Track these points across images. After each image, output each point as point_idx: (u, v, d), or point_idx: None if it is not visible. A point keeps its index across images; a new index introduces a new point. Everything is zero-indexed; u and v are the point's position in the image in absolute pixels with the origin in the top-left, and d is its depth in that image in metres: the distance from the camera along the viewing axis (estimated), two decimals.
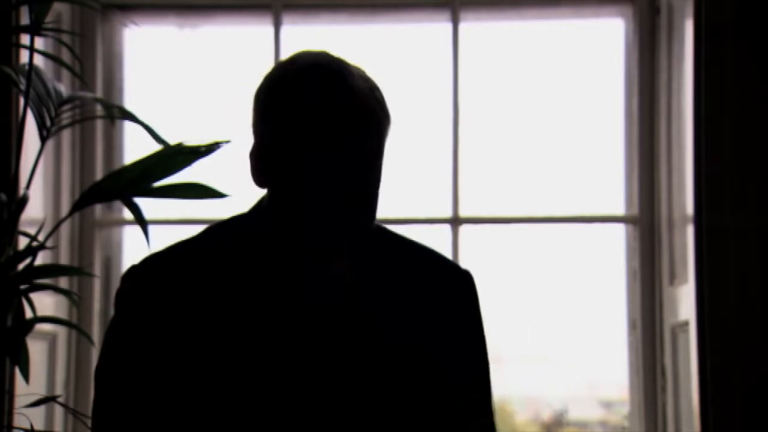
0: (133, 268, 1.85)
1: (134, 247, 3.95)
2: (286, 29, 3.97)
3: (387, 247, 1.89)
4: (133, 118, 2.85)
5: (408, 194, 3.93)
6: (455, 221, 3.92)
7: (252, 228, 1.84)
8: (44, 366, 3.67)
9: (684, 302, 3.56)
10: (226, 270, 1.81)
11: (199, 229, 1.91)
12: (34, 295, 2.74)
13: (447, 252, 3.88)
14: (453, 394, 1.85)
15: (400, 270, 1.87)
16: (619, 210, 3.99)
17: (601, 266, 3.99)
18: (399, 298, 1.83)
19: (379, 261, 1.86)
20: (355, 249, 1.83)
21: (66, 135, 3.83)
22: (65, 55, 3.54)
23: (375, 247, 1.87)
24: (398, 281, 1.85)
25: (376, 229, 1.89)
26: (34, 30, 2.76)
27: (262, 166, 1.81)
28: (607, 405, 4.21)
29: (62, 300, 3.58)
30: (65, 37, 3.46)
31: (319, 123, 1.75)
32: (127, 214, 3.75)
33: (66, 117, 2.87)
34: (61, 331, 3.72)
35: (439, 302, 1.87)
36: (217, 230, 1.88)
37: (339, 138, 1.75)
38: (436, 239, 3.88)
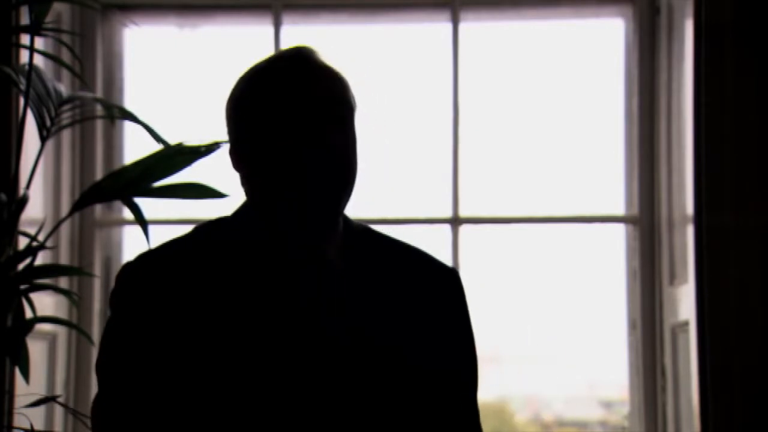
0: (128, 266, 1.86)
1: (134, 247, 3.95)
2: (286, 29, 3.97)
3: (374, 246, 1.90)
4: (133, 118, 2.86)
5: (408, 194, 3.93)
6: (455, 221, 3.92)
7: (242, 225, 1.86)
8: (44, 366, 3.67)
9: (684, 302, 3.56)
10: (220, 266, 1.82)
11: None
12: (34, 295, 2.74)
13: (447, 252, 3.89)
14: (442, 392, 1.86)
15: (388, 269, 1.88)
16: (619, 210, 3.98)
17: (601, 266, 3.99)
18: (386, 298, 1.85)
19: (366, 261, 1.87)
20: (343, 246, 1.84)
21: (66, 135, 3.83)
22: (65, 55, 3.54)
23: (362, 247, 1.88)
24: (385, 281, 1.86)
25: (362, 230, 1.90)
26: (34, 30, 2.76)
27: (239, 164, 1.84)
28: (607, 405, 4.21)
29: (62, 300, 3.58)
30: (65, 37, 3.46)
31: (285, 113, 1.79)
32: (127, 214, 3.75)
33: (66, 117, 2.87)
34: (61, 331, 3.72)
35: (427, 301, 1.88)
36: (209, 227, 1.90)
37: (305, 125, 1.78)
38: (436, 239, 3.88)
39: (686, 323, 3.52)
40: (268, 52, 3.98)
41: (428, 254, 1.95)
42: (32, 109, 2.77)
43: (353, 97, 1.85)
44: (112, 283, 4.04)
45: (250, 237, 1.84)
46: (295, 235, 1.82)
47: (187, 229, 1.93)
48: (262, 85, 1.82)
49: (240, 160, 1.85)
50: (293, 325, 1.79)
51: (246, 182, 1.86)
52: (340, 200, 1.82)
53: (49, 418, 3.65)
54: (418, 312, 1.86)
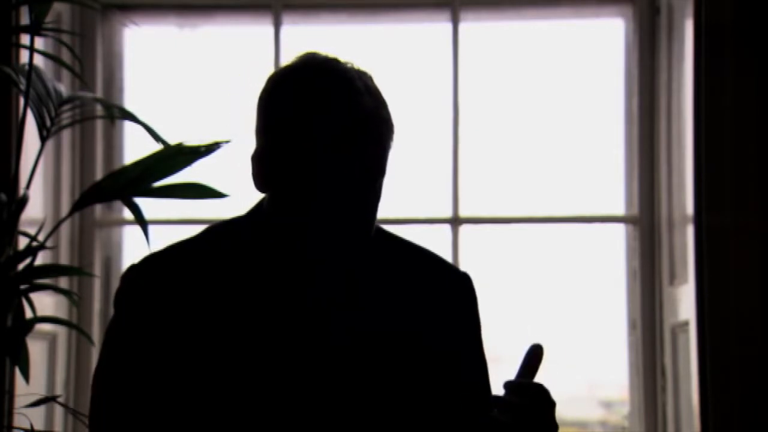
0: (133, 268, 1.86)
1: (134, 247, 3.95)
2: (286, 29, 3.97)
3: (386, 249, 1.89)
4: (133, 118, 2.85)
5: (408, 194, 3.93)
6: (455, 221, 3.92)
7: (251, 230, 1.85)
8: (44, 366, 3.67)
9: (684, 302, 3.56)
10: (225, 271, 1.81)
11: (199, 229, 1.91)
12: (34, 295, 2.74)
13: (447, 252, 3.89)
14: (452, 395, 1.85)
15: (400, 272, 1.87)
16: (619, 210, 3.98)
17: (601, 266, 3.99)
18: (398, 301, 1.84)
19: (378, 263, 1.86)
20: (355, 249, 1.83)
21: (66, 135, 3.83)
22: (65, 55, 3.54)
23: (374, 249, 1.87)
24: (397, 283, 1.86)
25: (375, 231, 1.89)
26: (34, 30, 2.76)
27: (265, 171, 1.81)
28: (607, 405, 4.21)
29: (62, 300, 3.58)
30: (65, 37, 3.45)
31: (326, 133, 1.76)
32: (127, 214, 3.75)
33: (66, 117, 2.87)
34: (61, 331, 3.72)
35: (439, 304, 1.87)
36: (216, 231, 1.89)
37: (346, 148, 1.76)
38: (436, 239, 3.88)
39: (686, 323, 3.52)
40: (268, 53, 3.98)
41: (441, 258, 1.94)
42: (32, 109, 2.77)
43: (392, 125, 1.84)
44: (113, 283, 4.05)
45: (258, 244, 1.83)
46: (312, 253, 1.81)
47: (187, 229, 1.93)
48: (303, 106, 1.77)
49: (267, 172, 1.81)
50: (302, 328, 1.79)
51: (271, 192, 1.84)
52: (358, 233, 1.82)
53: (49, 418, 3.65)
54: (428, 315, 1.85)
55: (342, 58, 1.84)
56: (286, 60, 1.87)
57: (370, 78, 1.83)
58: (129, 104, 3.93)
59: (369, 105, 1.79)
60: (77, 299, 2.98)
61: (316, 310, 1.80)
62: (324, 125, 1.76)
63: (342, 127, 1.76)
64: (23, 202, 2.74)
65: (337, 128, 1.76)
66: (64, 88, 2.89)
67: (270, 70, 1.87)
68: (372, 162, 1.79)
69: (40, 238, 2.79)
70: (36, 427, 2.75)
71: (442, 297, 1.88)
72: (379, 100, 1.81)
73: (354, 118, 1.77)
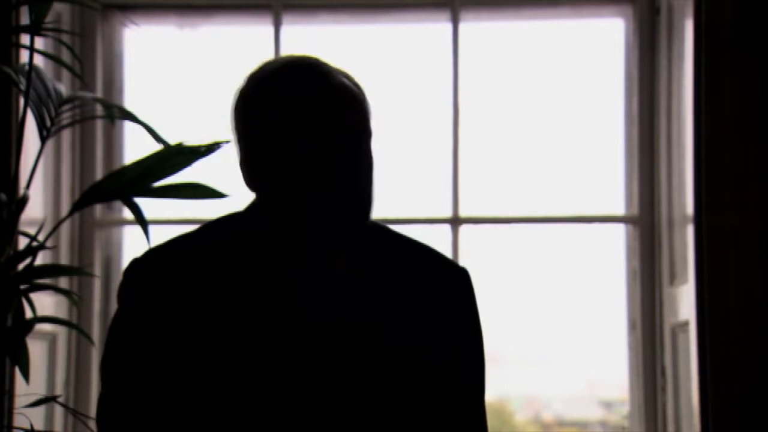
0: (136, 261, 1.87)
1: (134, 247, 3.95)
2: (286, 29, 3.97)
3: (384, 244, 1.90)
4: (133, 118, 2.86)
5: (408, 194, 3.93)
6: (455, 221, 3.92)
7: (250, 225, 1.86)
8: (44, 366, 3.67)
9: (684, 302, 3.56)
10: (226, 265, 1.82)
11: None
12: (34, 295, 2.74)
13: (447, 252, 3.88)
14: (449, 391, 1.86)
15: (397, 267, 1.88)
16: (619, 210, 3.99)
17: (601, 266, 3.99)
18: (395, 296, 1.85)
19: (376, 258, 1.87)
20: (352, 245, 1.84)
21: (66, 135, 3.83)
22: (65, 55, 3.54)
23: (372, 245, 1.88)
24: (395, 278, 1.87)
25: (373, 227, 1.90)
26: (34, 30, 2.76)
27: (252, 173, 1.83)
28: (607, 405, 4.21)
29: (62, 300, 3.58)
30: (65, 37, 3.46)
31: (303, 120, 1.77)
32: (127, 214, 3.75)
33: (66, 117, 2.87)
34: (61, 331, 3.72)
35: (436, 299, 1.88)
36: (217, 226, 1.90)
37: (324, 133, 1.77)
38: (436, 239, 3.88)
39: (686, 323, 3.52)
40: (268, 53, 3.99)
41: (438, 252, 1.95)
42: (32, 109, 2.77)
43: (368, 105, 1.84)
44: (113, 283, 4.05)
45: (257, 239, 1.84)
46: (310, 246, 1.82)
47: (187, 229, 1.93)
48: (275, 98, 1.79)
49: (255, 173, 1.83)
50: (298, 328, 1.79)
51: (263, 191, 1.85)
52: (355, 216, 1.82)
53: (49, 418, 3.65)
54: (425, 310, 1.86)
55: (318, 56, 1.85)
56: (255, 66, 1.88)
57: (345, 72, 1.84)
58: (129, 104, 3.93)
59: (340, 89, 1.80)
60: (77, 299, 2.98)
61: (314, 305, 1.81)
62: (305, 129, 1.77)
63: (325, 129, 1.77)
64: (23, 202, 2.74)
65: (320, 131, 1.77)
66: (64, 88, 2.89)
67: (244, 75, 1.87)
68: (353, 146, 1.80)
69: (40, 238, 2.79)
70: (36, 427, 2.75)
71: (440, 294, 1.89)
72: (350, 80, 1.83)
73: (325, 105, 1.78)
